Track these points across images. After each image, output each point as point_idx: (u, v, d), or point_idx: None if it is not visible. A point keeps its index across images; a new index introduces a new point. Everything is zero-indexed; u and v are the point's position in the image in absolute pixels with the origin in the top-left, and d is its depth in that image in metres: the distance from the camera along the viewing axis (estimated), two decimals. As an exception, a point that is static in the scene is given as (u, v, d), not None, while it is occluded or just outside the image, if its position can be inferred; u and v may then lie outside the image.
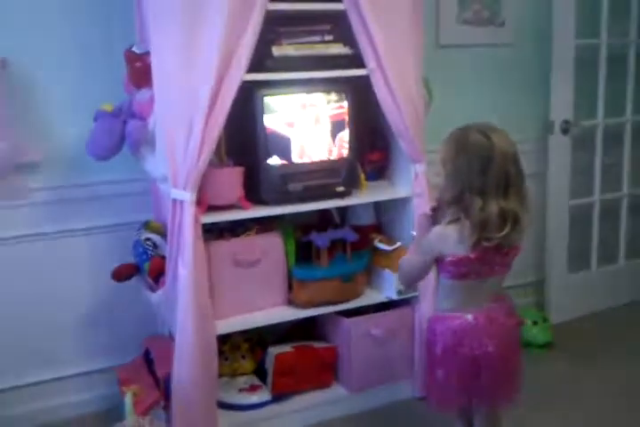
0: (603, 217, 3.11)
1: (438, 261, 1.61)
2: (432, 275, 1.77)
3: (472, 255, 1.52)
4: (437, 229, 1.58)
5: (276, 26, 2.05)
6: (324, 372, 2.29)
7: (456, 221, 1.52)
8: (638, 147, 3.17)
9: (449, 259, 1.55)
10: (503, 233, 1.48)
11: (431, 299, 2.17)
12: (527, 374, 2.50)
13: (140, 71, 1.90)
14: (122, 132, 1.92)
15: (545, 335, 2.75)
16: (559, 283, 3.01)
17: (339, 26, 2.11)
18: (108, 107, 1.96)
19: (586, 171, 3.03)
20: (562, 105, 2.85)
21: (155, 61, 1.83)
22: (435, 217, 1.66)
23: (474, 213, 1.47)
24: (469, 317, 1.60)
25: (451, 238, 1.52)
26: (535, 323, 2.77)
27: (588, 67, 2.92)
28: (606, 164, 3.05)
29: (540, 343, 2.74)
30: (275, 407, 2.22)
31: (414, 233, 1.79)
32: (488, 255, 1.54)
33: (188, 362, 1.94)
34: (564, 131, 2.86)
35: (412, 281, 1.83)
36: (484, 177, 1.47)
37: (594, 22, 2.87)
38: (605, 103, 2.97)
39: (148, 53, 1.85)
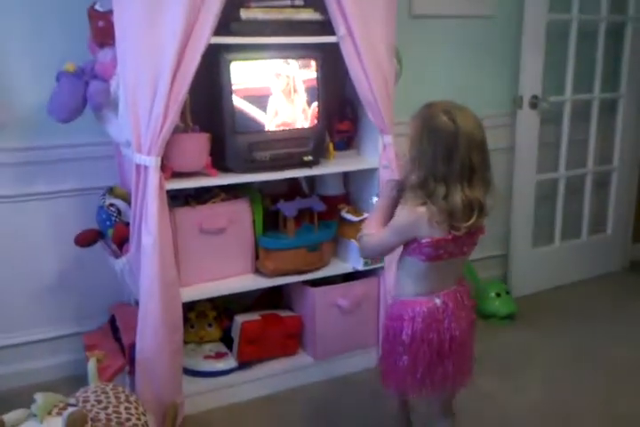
0: (567, 193, 3.16)
1: (410, 243, 1.53)
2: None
3: (449, 237, 1.48)
4: (409, 211, 1.50)
5: (244, -12, 2.01)
6: (289, 340, 2.30)
7: (423, 204, 1.47)
8: (605, 124, 3.21)
9: (426, 240, 1.49)
10: (469, 223, 1.45)
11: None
12: (488, 345, 2.59)
13: (102, 30, 1.84)
14: (84, 94, 1.87)
15: (507, 307, 2.81)
16: (523, 256, 3.06)
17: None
18: (70, 67, 1.90)
19: (553, 146, 3.07)
20: (531, 80, 2.86)
21: (117, 20, 1.77)
22: (401, 188, 1.60)
23: (438, 201, 1.44)
24: (437, 301, 1.56)
25: (423, 220, 1.47)
26: (498, 295, 2.82)
27: (559, 42, 2.93)
28: (573, 140, 3.08)
29: (503, 315, 2.80)
30: (240, 374, 2.23)
31: (375, 199, 1.74)
32: (462, 236, 1.51)
33: (153, 329, 1.93)
34: (533, 106, 2.88)
35: (375, 257, 1.77)
36: (448, 164, 1.43)
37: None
38: (574, 80, 2.98)
39: (111, 12, 1.79)
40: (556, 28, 2.88)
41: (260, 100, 2.06)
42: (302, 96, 2.14)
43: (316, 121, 2.18)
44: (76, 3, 2.03)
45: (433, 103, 1.50)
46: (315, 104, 2.17)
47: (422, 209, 1.46)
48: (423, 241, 1.49)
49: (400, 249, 1.59)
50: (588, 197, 3.22)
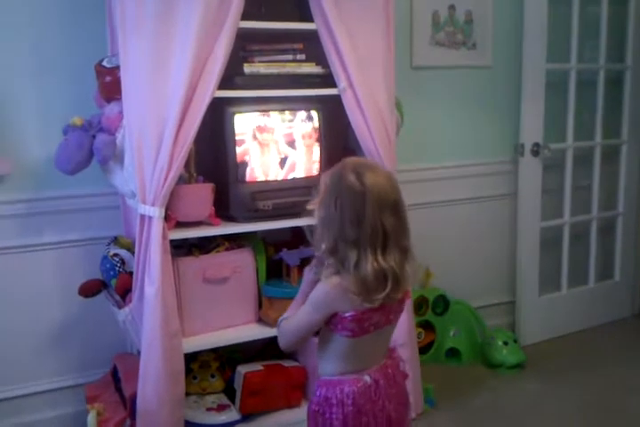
0: (573, 239, 3.14)
1: (331, 318, 1.38)
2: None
3: (374, 306, 1.34)
4: (326, 283, 1.36)
5: (248, 43, 2.09)
6: (293, 391, 2.26)
7: (337, 273, 1.34)
8: (608, 170, 3.23)
9: (349, 314, 1.35)
10: (383, 294, 1.32)
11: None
12: (497, 395, 2.54)
13: (109, 85, 1.90)
14: (91, 147, 1.91)
15: (515, 356, 2.76)
16: (530, 305, 3.03)
17: (311, 45, 2.14)
18: (77, 121, 1.95)
19: (557, 193, 3.08)
20: (532, 128, 2.90)
21: (124, 75, 1.83)
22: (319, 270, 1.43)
23: (349, 269, 1.31)
24: (367, 378, 1.41)
25: (340, 292, 1.33)
26: (506, 344, 2.78)
27: (559, 90, 2.98)
28: (577, 186, 3.10)
29: (511, 364, 2.74)
30: (242, 427, 2.18)
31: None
32: (386, 304, 1.37)
33: (154, 381, 1.91)
34: (535, 153, 2.91)
35: (295, 344, 1.51)
36: (358, 229, 1.30)
37: (564, 47, 2.93)
38: (575, 127, 3.02)
39: (118, 67, 1.85)
40: (554, 76, 2.94)
41: (263, 151, 2.10)
42: (305, 146, 2.18)
43: (318, 170, 2.21)
44: (83, 59, 2.11)
45: (345, 161, 1.39)
46: (317, 153, 2.20)
47: (336, 280, 1.33)
48: (346, 315, 1.35)
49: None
50: (594, 243, 3.20)
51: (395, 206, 1.34)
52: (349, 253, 1.31)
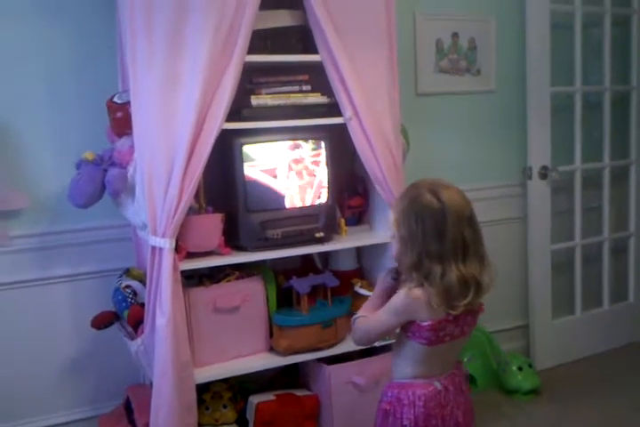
0: (585, 261, 3.13)
1: (409, 326, 1.49)
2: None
3: (450, 317, 1.44)
4: (405, 294, 1.46)
5: (254, 76, 2.13)
6: (306, 421, 2.24)
7: (419, 286, 1.45)
8: (617, 191, 3.22)
9: (427, 323, 1.45)
10: (467, 300, 1.42)
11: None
12: (513, 422, 2.50)
13: (121, 121, 1.94)
14: (102, 181, 1.95)
15: (531, 381, 2.72)
16: (544, 329, 3.00)
17: (316, 76, 2.17)
18: (89, 155, 1.99)
19: (567, 215, 3.07)
20: (539, 151, 2.91)
21: (134, 111, 1.87)
22: (397, 275, 1.58)
23: (435, 282, 1.41)
24: (437, 384, 1.51)
25: (421, 303, 1.43)
26: (520, 369, 2.75)
27: (565, 112, 3.00)
28: (587, 208, 3.09)
29: (526, 390, 2.71)
30: (255, 459, 2.16)
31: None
32: (461, 316, 1.48)
33: (167, 412, 1.91)
34: (543, 176, 2.91)
35: (367, 343, 1.66)
36: (440, 243, 1.41)
37: (568, 69, 2.96)
38: (583, 149, 3.03)
39: (128, 103, 1.90)
40: (560, 99, 2.96)
41: (271, 180, 2.13)
42: (312, 175, 2.20)
43: (326, 198, 2.23)
44: (95, 95, 2.16)
45: (418, 183, 1.51)
46: (325, 182, 2.22)
47: (419, 292, 1.44)
48: (424, 324, 1.45)
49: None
50: (607, 265, 3.18)
51: (470, 218, 1.45)
52: (434, 267, 1.42)
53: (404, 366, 1.54)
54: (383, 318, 1.52)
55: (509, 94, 2.97)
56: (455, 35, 2.81)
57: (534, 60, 2.84)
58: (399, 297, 1.49)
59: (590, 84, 3.08)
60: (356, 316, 1.61)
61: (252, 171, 2.08)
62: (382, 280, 1.62)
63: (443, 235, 1.41)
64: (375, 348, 2.29)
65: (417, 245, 1.43)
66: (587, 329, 3.11)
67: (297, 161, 2.18)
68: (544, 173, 2.91)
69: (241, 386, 2.32)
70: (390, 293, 1.57)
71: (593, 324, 3.13)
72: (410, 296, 1.45)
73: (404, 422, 1.50)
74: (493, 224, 3.00)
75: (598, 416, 2.53)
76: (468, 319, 1.51)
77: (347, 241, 2.30)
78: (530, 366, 2.79)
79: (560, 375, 2.92)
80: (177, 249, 1.93)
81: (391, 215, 1.53)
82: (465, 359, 2.81)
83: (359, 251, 2.46)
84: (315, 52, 2.11)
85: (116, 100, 1.97)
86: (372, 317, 1.56)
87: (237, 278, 2.17)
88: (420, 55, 2.74)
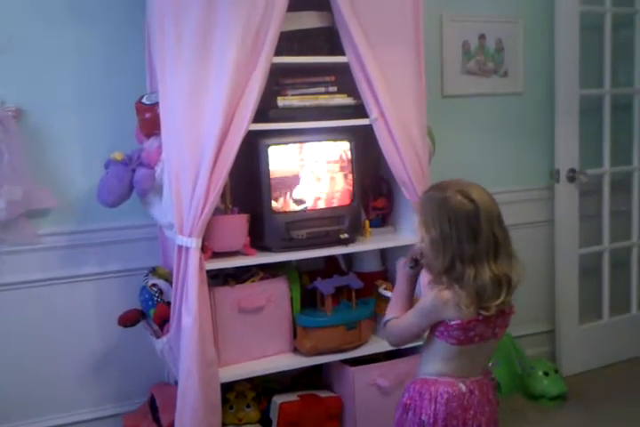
0: (613, 266, 3.08)
1: (438, 325, 1.49)
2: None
3: (480, 317, 1.43)
4: (434, 295, 1.46)
5: (281, 77, 2.14)
6: (329, 422, 2.24)
7: (449, 288, 1.44)
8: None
9: (455, 322, 1.44)
10: (499, 300, 1.42)
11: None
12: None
13: (149, 121, 1.96)
14: (131, 180, 1.97)
15: (557, 387, 2.68)
16: (570, 334, 2.95)
17: (342, 77, 2.18)
18: (118, 155, 2.02)
19: (595, 218, 3.03)
20: (567, 154, 2.87)
21: (163, 112, 1.90)
22: (416, 263, 1.58)
23: (468, 283, 1.40)
24: (462, 386, 1.48)
25: (450, 304, 1.43)
26: (546, 374, 2.71)
27: (594, 115, 2.95)
28: (615, 211, 3.04)
29: (553, 395, 2.67)
30: (278, 459, 2.17)
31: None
32: (492, 317, 1.46)
33: (191, 410, 1.93)
34: (571, 179, 2.87)
35: (403, 344, 1.67)
36: (475, 244, 1.40)
37: (597, 71, 2.92)
38: (612, 152, 2.98)
39: (157, 104, 1.92)
40: (589, 101, 2.92)
41: (297, 181, 2.14)
42: (337, 176, 2.21)
43: (351, 199, 2.23)
44: (124, 96, 2.18)
45: (442, 184, 1.50)
46: (350, 183, 2.22)
47: (448, 294, 1.43)
48: (452, 323, 1.45)
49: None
50: (636, 270, 3.12)
51: (499, 217, 1.45)
52: (467, 270, 1.40)
53: (431, 363, 1.53)
54: (414, 320, 1.52)
55: (537, 96, 2.94)
56: (482, 36, 2.79)
57: (563, 62, 2.80)
58: (428, 299, 1.49)
59: (619, 87, 3.03)
60: (387, 318, 1.61)
61: (277, 172, 2.09)
62: (401, 271, 1.63)
63: (477, 235, 1.40)
64: (401, 349, 2.28)
65: (450, 248, 1.42)
66: (614, 335, 3.05)
67: (322, 162, 2.18)
68: (572, 176, 2.87)
69: (264, 386, 2.32)
70: (412, 281, 1.59)
71: (621, 329, 3.08)
72: (438, 298, 1.45)
73: (423, 418, 1.48)
74: (520, 227, 2.95)
75: (626, 424, 2.49)
76: (498, 321, 1.49)
77: (371, 243, 2.30)
78: (556, 371, 2.75)
79: (587, 382, 2.87)
80: (203, 249, 1.95)
81: (417, 219, 1.52)
82: (489, 364, 2.78)
83: (383, 253, 2.46)
84: (341, 53, 2.11)
85: (144, 101, 1.99)
86: (402, 318, 1.56)
87: (262, 279, 2.18)
88: (446, 57, 2.73)
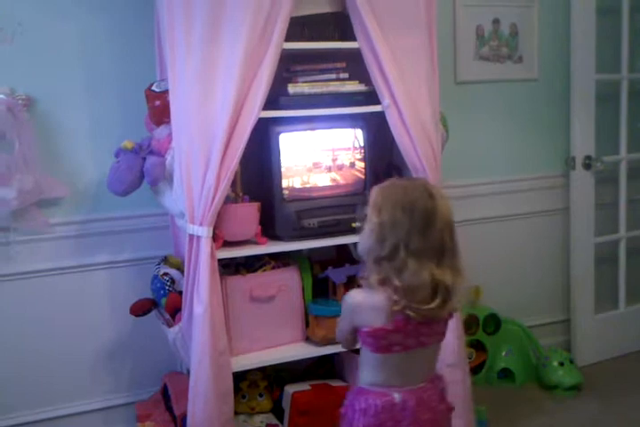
0: (629, 254, 3.03)
1: (357, 330, 1.44)
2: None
3: (389, 327, 1.35)
4: (351, 295, 1.43)
5: (291, 64, 2.11)
6: (341, 411, 2.24)
7: (383, 280, 1.35)
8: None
9: (365, 330, 1.39)
10: (431, 306, 1.34)
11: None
12: (553, 418, 2.45)
13: (159, 109, 1.95)
14: (141, 169, 1.96)
15: (572, 377, 2.66)
16: (586, 323, 2.92)
17: (354, 63, 2.15)
18: (128, 144, 2.01)
19: (611, 206, 2.98)
20: (583, 141, 2.82)
21: (173, 99, 1.88)
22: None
23: (406, 277, 1.32)
24: (396, 396, 1.41)
25: (364, 306, 1.37)
26: (561, 364, 2.68)
27: (610, 101, 2.90)
28: (631, 199, 3.00)
29: (568, 386, 2.65)
30: (291, 448, 2.17)
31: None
32: (410, 326, 1.37)
33: (204, 399, 1.92)
34: (587, 166, 2.83)
35: (347, 348, 1.62)
36: (423, 240, 1.33)
37: (614, 56, 2.86)
38: (628, 138, 2.93)
39: (167, 92, 1.90)
40: (605, 87, 2.87)
41: (308, 169, 2.11)
42: (349, 164, 2.18)
43: (363, 188, 2.20)
44: (133, 84, 2.17)
45: (411, 178, 1.53)
46: (362, 171, 2.20)
47: (360, 296, 1.40)
48: (363, 330, 1.39)
49: None
50: (652, 259, 3.09)
51: (453, 227, 1.39)
52: (409, 262, 1.33)
53: (364, 371, 1.48)
54: (340, 324, 1.50)
55: (552, 82, 2.89)
56: (496, 21, 2.74)
57: (579, 47, 2.75)
58: (346, 299, 1.45)
59: (637, 72, 2.97)
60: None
61: (288, 159, 2.07)
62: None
63: (428, 231, 1.34)
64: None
65: (397, 235, 1.34)
66: (630, 324, 3.02)
67: (334, 150, 2.16)
68: (588, 164, 2.82)
69: (277, 375, 2.32)
70: None
71: (637, 319, 3.04)
72: (347, 301, 1.43)
73: None
74: (535, 216, 2.93)
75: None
76: (422, 330, 1.40)
77: (384, 231, 2.27)
78: (571, 361, 2.72)
79: (602, 371, 2.84)
80: (214, 238, 1.93)
81: (370, 201, 1.41)
82: (502, 353, 2.77)
83: (396, 241, 2.43)
84: (352, 39, 2.08)
85: (154, 88, 1.97)
86: (338, 320, 1.54)
87: (273, 268, 2.17)
88: (459, 42, 2.69)
